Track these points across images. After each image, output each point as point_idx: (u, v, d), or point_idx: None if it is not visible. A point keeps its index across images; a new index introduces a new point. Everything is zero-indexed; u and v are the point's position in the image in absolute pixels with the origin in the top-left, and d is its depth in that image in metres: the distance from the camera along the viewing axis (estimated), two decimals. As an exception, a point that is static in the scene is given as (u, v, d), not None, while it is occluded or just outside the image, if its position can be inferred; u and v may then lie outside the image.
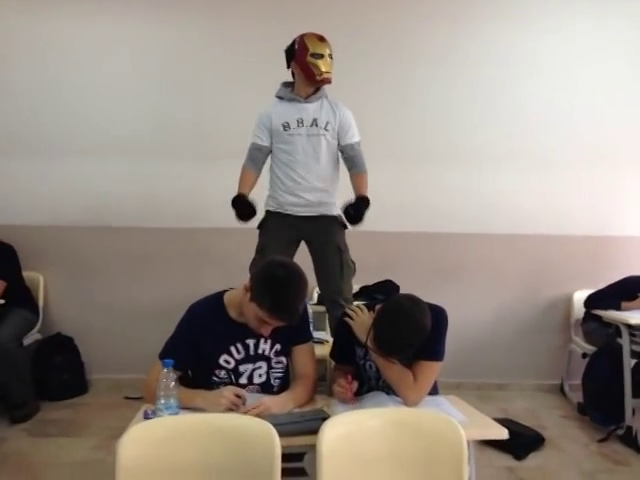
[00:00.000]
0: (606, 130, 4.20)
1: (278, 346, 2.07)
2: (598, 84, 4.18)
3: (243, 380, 2.03)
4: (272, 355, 2.06)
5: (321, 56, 2.92)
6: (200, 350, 2.00)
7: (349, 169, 3.07)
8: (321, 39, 2.96)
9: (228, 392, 1.83)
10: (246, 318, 1.97)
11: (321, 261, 3.00)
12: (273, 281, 1.89)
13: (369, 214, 2.90)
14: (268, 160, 3.09)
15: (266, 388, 2.06)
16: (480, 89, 4.18)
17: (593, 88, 4.18)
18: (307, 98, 2.99)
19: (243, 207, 2.92)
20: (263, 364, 2.06)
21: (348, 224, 2.97)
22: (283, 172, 3.00)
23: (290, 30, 3.01)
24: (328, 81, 2.96)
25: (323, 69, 2.93)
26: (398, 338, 1.89)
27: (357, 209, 2.88)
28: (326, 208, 3.01)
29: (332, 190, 3.05)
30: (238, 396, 1.83)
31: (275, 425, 1.51)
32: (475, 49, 4.16)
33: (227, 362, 2.02)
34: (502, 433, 1.74)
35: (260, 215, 3.04)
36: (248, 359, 2.03)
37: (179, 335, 2.03)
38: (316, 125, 2.96)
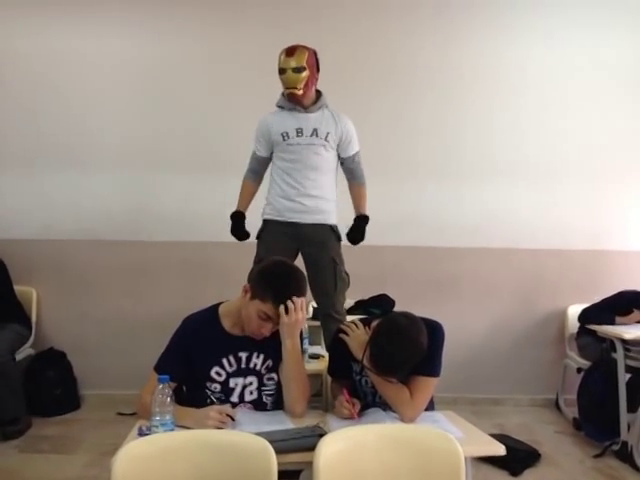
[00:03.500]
0: (600, 144, 4.24)
1: (270, 362, 2.05)
2: (593, 97, 4.21)
3: (234, 399, 2.01)
4: (263, 370, 2.04)
5: (284, 71, 2.92)
6: (192, 361, 1.99)
7: (348, 180, 3.16)
8: (289, 52, 2.93)
9: (214, 412, 1.81)
10: (246, 321, 1.96)
11: (315, 272, 3.01)
12: (273, 274, 1.97)
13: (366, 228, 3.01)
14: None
15: (258, 406, 2.03)
16: (474, 103, 4.20)
17: (588, 101, 4.21)
18: (307, 108, 3.00)
19: (239, 228, 3.14)
20: (254, 379, 2.03)
21: (351, 243, 3.11)
22: (281, 178, 3.05)
23: (285, 43, 3.01)
24: (294, 96, 2.94)
25: (285, 85, 2.94)
26: (395, 359, 1.88)
27: (358, 231, 3.07)
28: (323, 216, 3.03)
29: (330, 198, 3.07)
30: (228, 414, 1.81)
31: (271, 442, 1.50)
32: (468, 63, 4.19)
33: (218, 374, 2.00)
34: (499, 449, 1.74)
35: (258, 224, 3.11)
36: (239, 372, 2.01)
37: (173, 347, 2.02)
38: (316, 135, 2.98)
